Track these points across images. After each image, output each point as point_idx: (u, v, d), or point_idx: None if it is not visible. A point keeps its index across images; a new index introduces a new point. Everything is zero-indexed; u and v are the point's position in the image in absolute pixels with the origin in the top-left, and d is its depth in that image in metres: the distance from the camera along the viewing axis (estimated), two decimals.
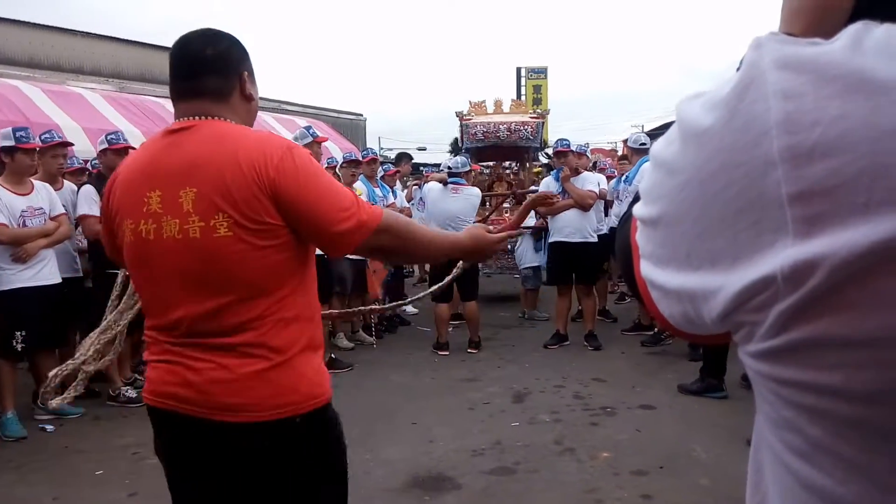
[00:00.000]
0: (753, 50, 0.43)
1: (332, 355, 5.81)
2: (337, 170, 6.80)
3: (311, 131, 5.44)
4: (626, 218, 0.57)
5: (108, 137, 4.85)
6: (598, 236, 6.33)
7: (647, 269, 0.52)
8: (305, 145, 4.85)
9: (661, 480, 3.36)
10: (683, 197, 0.46)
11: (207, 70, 1.53)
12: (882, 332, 0.38)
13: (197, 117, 1.51)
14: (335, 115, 20.85)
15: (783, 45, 0.42)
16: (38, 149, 4.48)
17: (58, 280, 4.38)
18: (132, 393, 4.76)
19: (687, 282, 0.47)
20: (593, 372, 5.30)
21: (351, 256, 7.44)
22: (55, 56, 17.59)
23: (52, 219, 4.38)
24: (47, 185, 4.52)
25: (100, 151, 4.88)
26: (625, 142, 8.18)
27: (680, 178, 0.46)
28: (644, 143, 6.41)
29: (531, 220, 7.75)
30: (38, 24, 17.87)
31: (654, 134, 8.35)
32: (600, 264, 6.84)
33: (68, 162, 5.13)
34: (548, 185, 6.35)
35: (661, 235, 0.49)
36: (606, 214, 7.03)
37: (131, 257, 1.55)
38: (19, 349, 4.17)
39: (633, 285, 0.56)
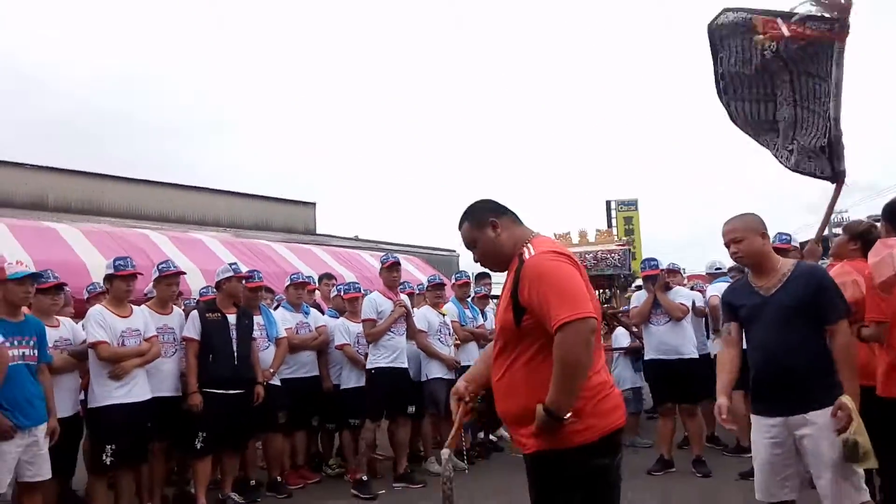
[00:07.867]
0: None
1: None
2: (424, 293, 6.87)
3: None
4: None
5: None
6: (701, 356, 5.94)
7: None
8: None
9: None
10: None
11: None
12: None
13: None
14: (428, 251, 21.04)
15: None
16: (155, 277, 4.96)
17: (148, 396, 4.51)
18: None
19: None
20: (701, 500, 4.76)
21: (445, 376, 6.88)
22: (181, 210, 19.52)
23: (145, 340, 4.57)
24: (145, 308, 4.81)
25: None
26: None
27: None
28: (719, 268, 7.27)
29: (626, 341, 7.41)
30: (166, 183, 20.07)
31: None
32: (704, 384, 6.31)
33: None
34: (639, 298, 6.14)
35: None
36: (708, 336, 6.57)
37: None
38: (108, 463, 4.26)
39: None
